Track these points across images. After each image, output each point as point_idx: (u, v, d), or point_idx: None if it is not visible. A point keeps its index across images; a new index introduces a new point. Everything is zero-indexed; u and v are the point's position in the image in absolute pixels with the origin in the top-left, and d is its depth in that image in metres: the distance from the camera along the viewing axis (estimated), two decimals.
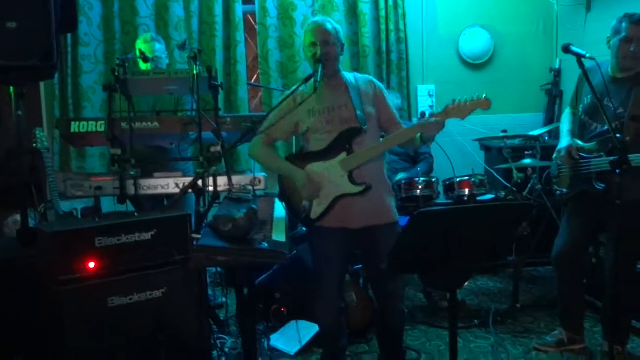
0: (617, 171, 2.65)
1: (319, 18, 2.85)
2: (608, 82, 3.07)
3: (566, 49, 2.88)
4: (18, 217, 3.03)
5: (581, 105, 3.25)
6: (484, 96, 2.57)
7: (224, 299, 3.90)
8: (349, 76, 2.85)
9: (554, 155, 3.30)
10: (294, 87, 2.81)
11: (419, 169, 4.33)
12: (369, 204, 2.73)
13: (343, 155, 2.71)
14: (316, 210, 2.73)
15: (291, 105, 2.70)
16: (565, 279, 3.31)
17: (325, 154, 2.73)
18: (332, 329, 2.87)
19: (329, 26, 2.73)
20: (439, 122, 2.59)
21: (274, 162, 2.88)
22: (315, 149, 2.77)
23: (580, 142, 3.16)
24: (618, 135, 2.75)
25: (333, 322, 2.85)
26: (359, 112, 2.72)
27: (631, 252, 3.06)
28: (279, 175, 2.89)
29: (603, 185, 2.97)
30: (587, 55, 2.84)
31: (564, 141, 3.23)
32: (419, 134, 2.69)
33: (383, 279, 2.81)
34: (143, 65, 3.59)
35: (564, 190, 3.27)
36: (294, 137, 3.63)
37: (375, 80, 2.93)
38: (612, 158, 2.74)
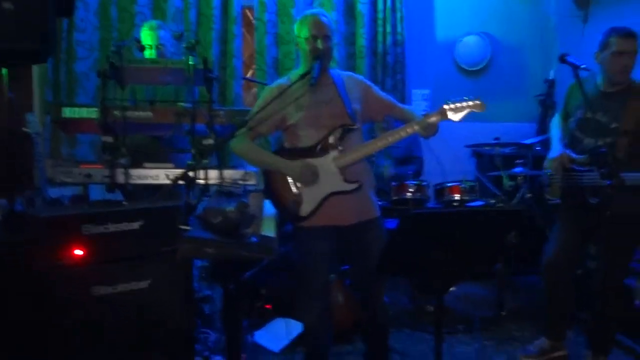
0: (608, 182, 2.67)
1: (314, 10, 2.80)
2: (599, 96, 3.08)
3: (563, 59, 2.90)
4: (4, 202, 2.99)
5: (573, 119, 3.25)
6: (478, 98, 2.59)
7: (209, 293, 3.88)
8: (333, 72, 2.85)
9: (545, 163, 3.30)
10: (280, 81, 2.83)
11: (410, 171, 4.35)
12: (359, 200, 2.74)
13: (335, 152, 2.70)
14: (306, 208, 2.71)
15: (277, 99, 2.64)
16: (554, 286, 3.31)
17: (315, 151, 2.71)
18: (316, 328, 2.85)
19: (325, 19, 2.73)
20: (435, 124, 2.61)
21: (262, 157, 2.84)
22: (304, 144, 2.75)
23: (572, 153, 3.17)
24: (602, 150, 2.77)
25: (317, 321, 2.83)
26: (349, 109, 2.72)
27: (619, 264, 3.07)
28: (263, 172, 2.86)
29: (597, 199, 2.97)
30: (583, 66, 2.85)
31: (556, 149, 3.23)
32: None
33: (368, 275, 2.80)
34: (147, 53, 3.55)
35: (556, 200, 3.27)
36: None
37: (356, 75, 2.97)
38: (603, 170, 2.76)
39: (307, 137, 2.74)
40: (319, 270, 2.79)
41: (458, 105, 2.60)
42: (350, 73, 2.99)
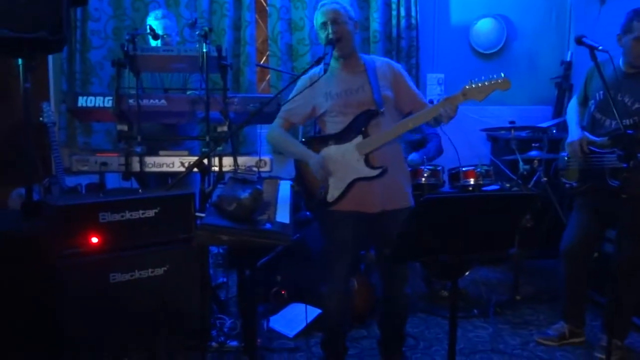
0: (625, 165, 2.64)
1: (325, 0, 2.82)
2: (621, 77, 3.03)
3: (579, 41, 2.85)
4: (22, 191, 3.03)
5: (593, 101, 3.22)
6: (503, 76, 2.53)
7: (224, 279, 3.92)
8: (367, 58, 2.84)
9: (564, 149, 3.27)
10: (312, 71, 2.82)
11: (428, 147, 4.35)
12: (386, 187, 2.73)
13: (359, 138, 2.71)
14: (333, 194, 2.74)
15: (308, 88, 2.69)
16: (573, 272, 3.29)
17: (341, 137, 2.73)
18: (336, 313, 2.87)
19: (336, 5, 2.73)
20: (456, 106, 2.57)
21: (290, 147, 2.88)
22: (332, 131, 2.78)
23: (590, 136, 3.14)
24: (629, 132, 2.73)
25: (338, 306, 2.85)
26: (376, 95, 2.71)
27: (637, 248, 3.04)
28: (295, 160, 2.90)
29: (617, 182, 2.93)
30: (600, 47, 2.80)
31: (575, 133, 3.19)
32: None
33: (390, 264, 2.81)
34: (153, 42, 3.57)
35: (573, 183, 3.25)
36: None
37: (394, 63, 2.94)
38: (620, 152, 2.72)
39: (335, 124, 2.76)
40: (341, 255, 2.80)
41: (481, 84, 2.53)
42: (388, 59, 2.96)
